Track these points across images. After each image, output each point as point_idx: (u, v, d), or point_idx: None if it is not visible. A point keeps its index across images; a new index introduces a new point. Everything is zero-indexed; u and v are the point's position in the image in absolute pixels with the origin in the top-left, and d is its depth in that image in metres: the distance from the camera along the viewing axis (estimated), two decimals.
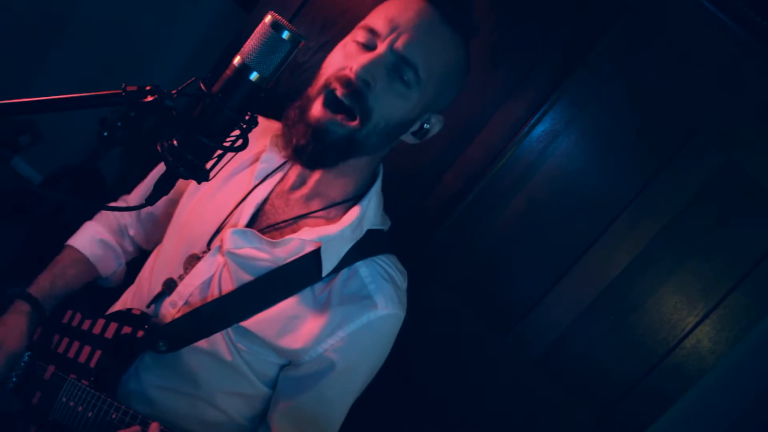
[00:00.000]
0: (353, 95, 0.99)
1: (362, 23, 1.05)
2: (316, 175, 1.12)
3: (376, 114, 1.01)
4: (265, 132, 1.20)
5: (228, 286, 1.10)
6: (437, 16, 1.03)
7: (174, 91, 0.75)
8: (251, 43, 0.75)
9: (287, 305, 1.07)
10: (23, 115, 0.70)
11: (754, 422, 1.67)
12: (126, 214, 1.38)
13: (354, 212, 1.10)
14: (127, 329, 1.13)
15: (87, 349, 1.16)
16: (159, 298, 1.15)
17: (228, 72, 0.77)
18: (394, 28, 1.01)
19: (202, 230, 1.15)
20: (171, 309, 1.13)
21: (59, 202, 2.06)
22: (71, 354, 1.17)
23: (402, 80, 1.01)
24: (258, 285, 1.08)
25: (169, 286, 1.14)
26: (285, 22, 0.74)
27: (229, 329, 1.08)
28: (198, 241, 1.15)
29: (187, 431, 1.14)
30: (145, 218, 1.36)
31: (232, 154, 1.20)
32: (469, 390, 1.77)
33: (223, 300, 1.09)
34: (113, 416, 1.06)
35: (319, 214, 1.12)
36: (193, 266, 1.13)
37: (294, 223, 1.12)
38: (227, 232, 1.09)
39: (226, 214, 1.14)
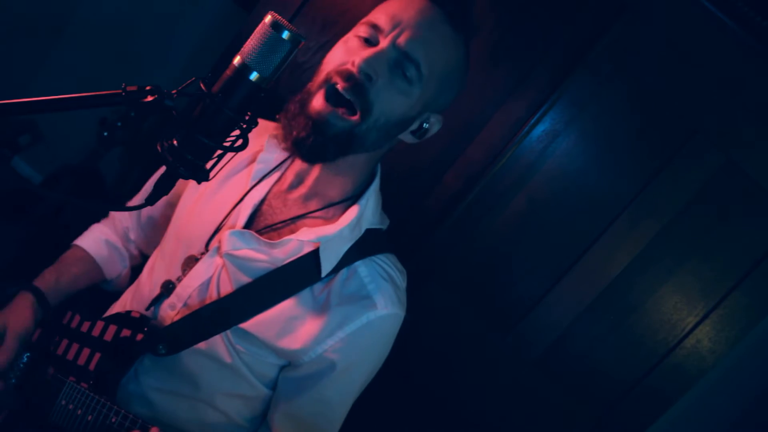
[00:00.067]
0: (354, 89, 0.98)
1: (364, 19, 1.06)
2: (314, 174, 1.11)
3: (376, 109, 1.00)
4: (261, 132, 1.20)
5: (227, 288, 1.10)
6: (439, 14, 1.04)
7: (174, 91, 0.75)
8: (251, 43, 0.75)
9: (286, 306, 1.07)
10: (23, 115, 0.70)
11: (754, 422, 1.67)
12: (127, 218, 1.38)
13: (352, 212, 1.10)
14: (126, 332, 1.13)
15: (86, 351, 1.16)
16: (158, 301, 1.15)
17: (228, 72, 0.77)
18: (396, 24, 1.01)
19: (199, 232, 1.15)
20: (170, 311, 1.13)
21: (59, 202, 2.06)
22: (70, 356, 1.17)
23: (404, 76, 1.01)
24: (257, 286, 1.08)
25: (168, 288, 1.14)
26: (285, 22, 0.74)
27: (229, 331, 1.08)
28: (196, 243, 1.15)
29: None
30: (145, 222, 1.36)
31: (231, 154, 1.20)
32: (469, 390, 1.77)
33: (222, 302, 1.08)
34: (113, 420, 1.05)
35: (318, 214, 1.12)
36: (191, 268, 1.13)
37: (292, 223, 1.12)
38: (225, 234, 1.09)
39: (223, 215, 1.14)
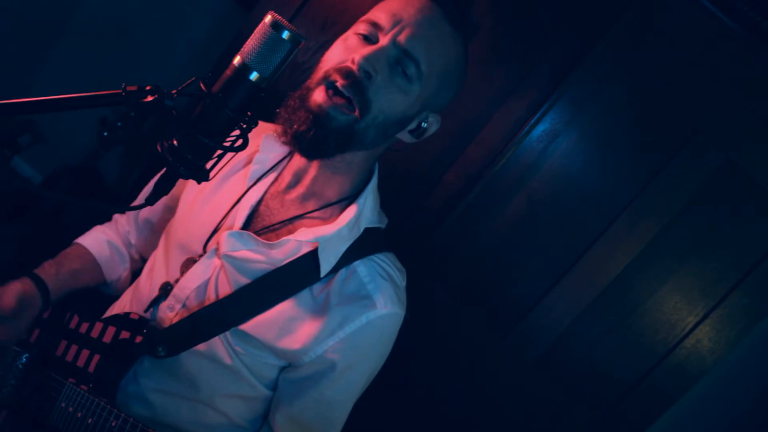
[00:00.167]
0: (353, 86, 0.98)
1: (364, 17, 1.06)
2: (311, 174, 1.11)
3: (375, 107, 1.00)
4: (258, 133, 1.20)
5: (225, 289, 1.10)
6: (439, 12, 1.04)
7: (174, 91, 0.75)
8: (251, 42, 0.75)
9: (286, 307, 1.07)
10: (23, 115, 0.70)
11: (754, 422, 1.67)
12: (126, 222, 1.38)
13: (351, 211, 1.09)
14: (125, 334, 1.13)
15: (85, 352, 1.15)
16: (156, 302, 1.15)
17: (228, 72, 0.77)
18: (397, 22, 1.01)
19: (197, 233, 1.15)
20: (169, 313, 1.12)
21: (59, 202, 2.06)
22: (69, 357, 1.17)
23: (404, 74, 1.01)
24: (255, 288, 1.08)
25: (166, 289, 1.14)
26: (285, 22, 0.74)
27: (228, 333, 1.08)
28: (194, 245, 1.15)
29: None
30: (143, 225, 1.36)
31: (231, 154, 1.20)
32: (469, 390, 1.77)
33: (221, 303, 1.08)
34: (113, 424, 1.05)
35: (315, 214, 1.11)
36: (188, 269, 1.13)
37: (290, 223, 1.11)
38: (223, 235, 1.09)
39: (221, 216, 1.14)
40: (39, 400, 1.14)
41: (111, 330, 1.15)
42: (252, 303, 1.07)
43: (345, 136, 1.01)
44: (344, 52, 1.02)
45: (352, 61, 0.99)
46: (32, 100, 0.70)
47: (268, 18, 0.74)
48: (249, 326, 1.07)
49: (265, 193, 1.15)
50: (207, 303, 1.10)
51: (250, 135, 0.82)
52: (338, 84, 0.99)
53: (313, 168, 1.11)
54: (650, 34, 1.55)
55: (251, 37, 0.75)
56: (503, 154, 1.63)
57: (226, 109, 0.76)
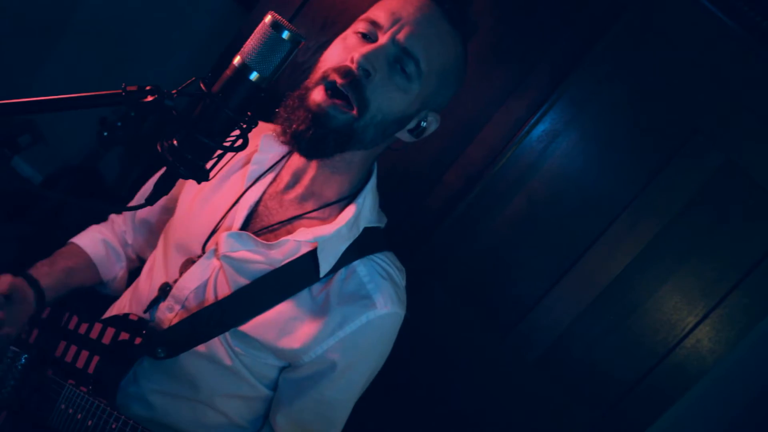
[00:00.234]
0: (351, 84, 0.98)
1: (363, 16, 1.05)
2: (310, 173, 1.11)
3: (373, 105, 1.00)
4: (256, 133, 1.19)
5: (224, 290, 1.09)
6: (438, 11, 1.04)
7: (174, 91, 0.75)
8: (251, 42, 0.75)
9: (285, 308, 1.07)
10: (23, 115, 0.70)
11: (754, 422, 1.67)
12: (123, 222, 1.38)
13: (349, 211, 1.09)
14: (124, 335, 1.13)
15: (85, 354, 1.15)
16: (156, 303, 1.14)
17: (228, 72, 0.77)
18: (396, 21, 1.01)
19: (196, 233, 1.15)
20: (168, 314, 1.12)
21: (59, 202, 2.06)
22: (69, 358, 1.17)
23: (403, 72, 1.01)
24: (255, 288, 1.08)
25: (165, 290, 1.13)
26: (285, 22, 0.74)
27: (227, 333, 1.08)
28: (192, 245, 1.14)
29: None
30: (140, 225, 1.36)
31: (230, 154, 1.20)
32: (469, 390, 1.77)
33: (220, 304, 1.08)
34: (113, 426, 1.05)
35: (314, 214, 1.11)
36: (187, 270, 1.13)
37: (289, 224, 1.11)
38: (222, 236, 1.08)
39: (219, 216, 1.14)
40: (39, 401, 1.14)
41: (110, 331, 1.15)
42: (251, 304, 1.07)
43: (344, 136, 1.01)
44: (343, 51, 1.02)
45: (352, 60, 0.99)
46: (32, 100, 0.70)
47: (268, 18, 0.74)
48: (248, 327, 1.07)
49: (264, 193, 1.15)
50: (206, 304, 1.09)
51: (250, 134, 0.82)
52: (337, 83, 0.99)
53: (312, 168, 1.10)
54: (650, 34, 1.55)
55: (251, 37, 0.75)
56: (503, 154, 1.63)
57: (226, 109, 0.76)
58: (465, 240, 1.69)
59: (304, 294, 1.07)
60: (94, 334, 1.16)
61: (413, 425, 1.81)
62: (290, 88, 1.06)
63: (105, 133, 0.73)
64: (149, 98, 0.73)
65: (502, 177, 1.65)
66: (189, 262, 1.13)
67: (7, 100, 0.69)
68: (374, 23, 1.03)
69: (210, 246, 1.12)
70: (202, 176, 0.81)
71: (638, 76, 1.56)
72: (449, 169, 1.68)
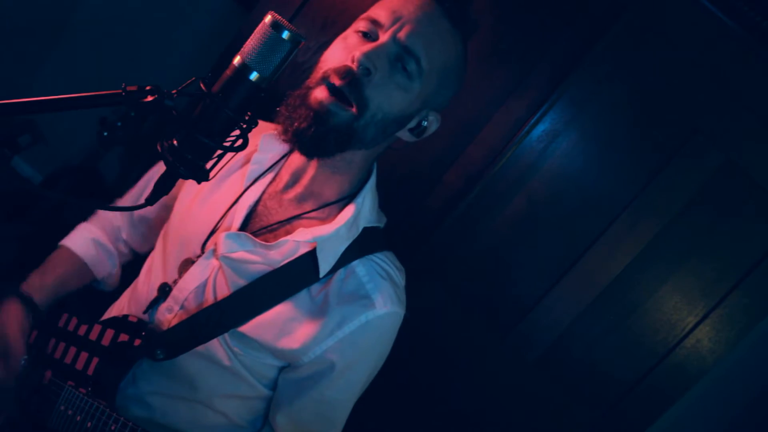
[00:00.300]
0: (350, 84, 0.98)
1: (364, 15, 1.05)
2: (310, 173, 1.11)
3: (373, 104, 1.00)
4: (256, 133, 1.18)
5: (223, 291, 1.09)
6: (438, 10, 1.04)
7: (174, 91, 0.75)
8: (251, 42, 0.75)
9: (284, 308, 1.07)
10: (23, 115, 0.70)
11: (754, 422, 1.67)
12: (119, 216, 1.37)
13: (349, 211, 1.09)
14: (124, 337, 1.12)
15: (84, 355, 1.15)
16: (155, 304, 1.14)
17: (228, 72, 0.77)
18: (397, 19, 1.01)
19: (195, 233, 1.14)
20: (167, 315, 1.12)
21: (59, 202, 2.06)
22: (68, 360, 1.16)
23: (405, 71, 1.01)
24: (254, 289, 1.07)
25: (164, 291, 1.13)
26: (285, 22, 0.74)
27: (226, 334, 1.08)
28: (192, 245, 1.14)
29: None
30: (138, 221, 1.35)
31: (230, 154, 1.19)
32: (469, 390, 1.77)
33: (220, 305, 1.08)
34: (112, 428, 1.05)
35: (313, 214, 1.11)
36: (186, 270, 1.12)
37: (288, 224, 1.11)
38: (221, 236, 1.08)
39: (218, 216, 1.14)
40: (38, 403, 1.14)
41: (110, 333, 1.15)
42: (250, 305, 1.07)
43: (345, 135, 1.01)
44: (344, 50, 1.02)
45: (352, 59, 0.99)
46: (32, 100, 0.70)
47: (268, 18, 0.74)
48: (247, 328, 1.06)
49: (263, 193, 1.15)
50: (205, 305, 1.09)
51: (249, 134, 0.82)
52: (336, 84, 0.99)
53: (312, 167, 1.10)
54: (650, 34, 1.55)
55: (251, 37, 0.75)
56: (503, 154, 1.63)
57: (226, 109, 0.76)
58: (465, 240, 1.69)
59: (303, 294, 1.07)
60: (93, 336, 1.16)
61: (413, 425, 1.81)
62: (290, 88, 1.06)
63: (105, 133, 0.73)
64: (149, 98, 0.73)
65: (502, 177, 1.65)
66: (188, 262, 1.13)
67: (7, 100, 0.69)
68: (375, 22, 1.03)
69: (209, 246, 1.12)
70: (202, 176, 0.81)
71: (638, 76, 1.56)
72: (449, 169, 1.68)
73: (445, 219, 1.69)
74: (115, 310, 1.26)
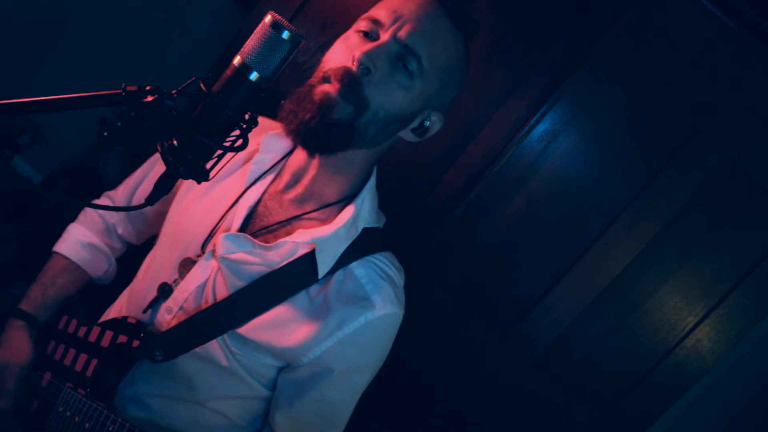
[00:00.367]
0: (349, 85, 0.98)
1: (365, 15, 1.05)
2: (311, 173, 1.10)
3: (374, 102, 1.00)
4: (258, 132, 1.18)
5: (222, 292, 1.09)
6: (439, 9, 1.04)
7: (174, 91, 0.75)
8: (251, 42, 0.75)
9: (283, 309, 1.06)
10: (23, 115, 0.70)
11: (754, 422, 1.67)
12: (114, 213, 1.36)
13: (348, 211, 1.09)
14: (122, 338, 1.12)
15: (83, 357, 1.15)
16: (155, 304, 1.14)
17: (228, 72, 0.77)
18: (397, 18, 1.01)
19: (195, 233, 1.14)
20: (167, 316, 1.11)
21: (59, 202, 2.06)
22: (67, 362, 1.16)
23: (405, 69, 1.01)
24: (253, 290, 1.07)
25: (164, 290, 1.13)
26: (285, 21, 0.74)
27: (225, 335, 1.07)
28: (192, 245, 1.14)
29: None
30: (135, 216, 1.35)
31: (230, 154, 1.19)
32: (469, 390, 1.77)
33: (219, 306, 1.08)
34: (110, 428, 1.05)
35: (314, 215, 1.11)
36: (188, 271, 1.12)
37: (288, 224, 1.11)
38: (220, 237, 1.08)
39: (218, 216, 1.13)
40: (37, 405, 1.14)
41: (108, 334, 1.14)
42: (249, 306, 1.07)
43: (346, 131, 1.01)
44: (345, 50, 1.02)
45: (353, 59, 0.99)
46: (32, 100, 0.70)
47: (268, 18, 0.74)
48: (246, 329, 1.06)
49: (264, 193, 1.14)
50: (204, 306, 1.09)
51: (250, 133, 0.82)
52: (336, 87, 0.99)
53: (313, 167, 1.10)
54: (650, 34, 1.55)
55: (251, 37, 0.75)
56: (503, 154, 1.63)
57: (226, 109, 0.76)
58: (465, 240, 1.69)
59: (301, 295, 1.07)
60: (92, 337, 1.16)
61: (413, 425, 1.81)
62: (291, 88, 1.06)
63: (105, 133, 0.73)
64: (149, 98, 0.73)
65: (502, 177, 1.65)
66: (188, 262, 1.13)
67: (7, 100, 0.69)
68: (376, 21, 1.03)
69: (209, 247, 1.12)
70: (202, 176, 0.81)
71: (638, 76, 1.56)
72: (449, 169, 1.68)
73: (445, 219, 1.69)
74: (114, 311, 1.26)
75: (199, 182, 0.81)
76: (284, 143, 1.17)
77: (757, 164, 1.53)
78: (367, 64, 0.98)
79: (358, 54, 0.98)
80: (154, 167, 1.31)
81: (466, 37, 1.09)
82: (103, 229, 1.36)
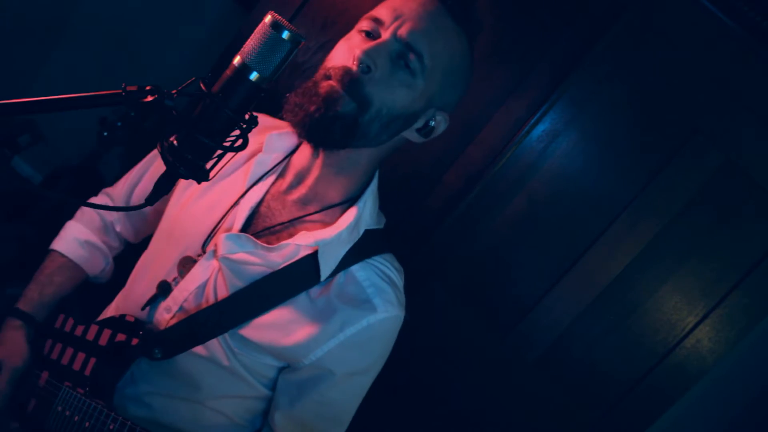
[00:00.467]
0: (349, 84, 0.99)
1: (366, 15, 1.06)
2: (314, 173, 1.10)
3: (377, 100, 1.00)
4: (260, 131, 1.18)
5: (223, 292, 1.09)
6: (441, 8, 1.04)
7: (174, 91, 0.75)
8: (251, 42, 0.75)
9: (284, 311, 1.06)
10: (23, 115, 0.70)
11: (754, 422, 1.67)
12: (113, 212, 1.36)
13: (350, 214, 1.09)
14: (121, 336, 1.12)
15: (81, 356, 1.15)
16: (153, 302, 1.14)
17: (228, 72, 0.77)
18: (398, 17, 1.01)
19: (195, 232, 1.14)
20: (166, 314, 1.11)
21: (59, 202, 2.06)
22: (65, 361, 1.16)
23: (407, 68, 1.01)
24: (253, 290, 1.07)
25: (164, 289, 1.13)
26: (285, 21, 0.74)
27: (226, 334, 1.08)
28: (191, 244, 1.13)
29: None
30: (134, 214, 1.35)
31: (231, 153, 1.19)
32: (469, 390, 1.77)
33: (219, 306, 1.07)
34: (111, 427, 1.05)
35: (316, 216, 1.11)
36: (188, 270, 1.12)
37: (291, 226, 1.10)
38: (221, 237, 1.08)
39: (219, 215, 1.13)
40: (36, 404, 1.14)
41: (107, 332, 1.14)
42: (249, 306, 1.07)
43: (350, 126, 1.01)
44: (347, 50, 1.02)
45: (353, 58, 0.99)
46: (32, 100, 0.70)
47: (268, 18, 0.74)
48: (247, 330, 1.06)
49: (266, 193, 1.14)
50: (204, 305, 1.09)
51: (251, 132, 0.82)
52: (335, 85, 0.99)
53: (317, 167, 1.10)
54: (650, 34, 1.55)
55: (251, 37, 0.75)
56: (503, 154, 1.63)
57: (226, 109, 0.76)
58: (465, 240, 1.69)
59: (302, 297, 1.07)
60: (90, 336, 1.16)
61: (413, 425, 1.81)
62: (290, 88, 1.06)
63: (105, 133, 0.73)
64: (149, 98, 0.73)
65: (502, 177, 1.65)
66: (189, 261, 1.13)
67: (7, 100, 0.69)
68: (377, 20, 1.03)
69: (210, 247, 1.11)
70: (202, 176, 0.81)
71: (638, 76, 1.56)
72: (449, 169, 1.68)
73: (445, 219, 1.69)
74: (111, 310, 1.26)
75: (199, 182, 0.81)
76: (288, 143, 1.17)
77: (757, 164, 1.53)
78: (367, 62, 0.98)
79: (358, 53, 0.99)
80: (153, 163, 1.31)
81: (469, 36, 1.09)
82: (100, 227, 1.35)
